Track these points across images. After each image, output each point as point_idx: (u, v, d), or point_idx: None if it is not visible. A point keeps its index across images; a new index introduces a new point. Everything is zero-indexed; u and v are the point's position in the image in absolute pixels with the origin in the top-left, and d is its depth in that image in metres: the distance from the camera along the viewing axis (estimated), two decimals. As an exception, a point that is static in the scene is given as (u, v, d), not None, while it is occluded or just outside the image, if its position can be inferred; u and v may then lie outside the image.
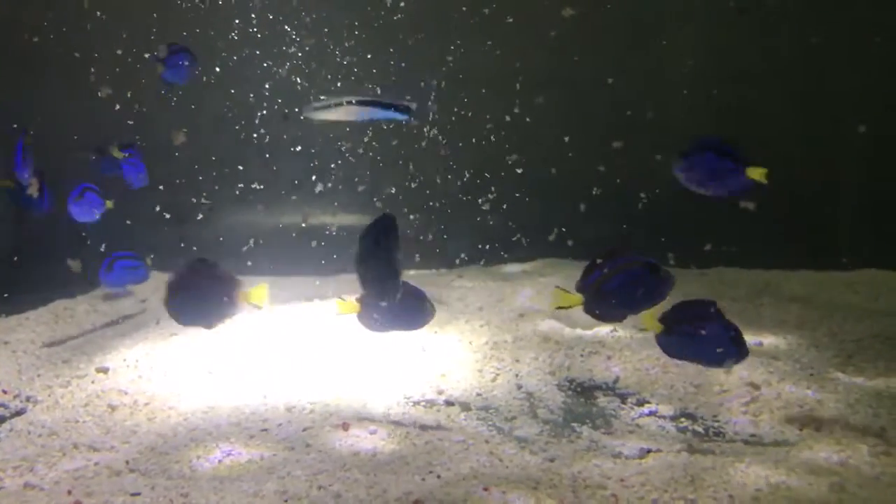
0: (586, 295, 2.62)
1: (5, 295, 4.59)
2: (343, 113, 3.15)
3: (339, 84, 4.99)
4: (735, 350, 2.61)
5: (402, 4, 4.90)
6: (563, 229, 5.15)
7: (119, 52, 4.56)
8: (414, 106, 3.19)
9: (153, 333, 3.86)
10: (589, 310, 2.65)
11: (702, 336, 2.63)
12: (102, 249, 4.25)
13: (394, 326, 2.75)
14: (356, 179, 5.11)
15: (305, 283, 4.88)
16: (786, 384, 3.14)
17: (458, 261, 5.20)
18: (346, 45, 4.98)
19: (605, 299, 2.62)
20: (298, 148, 5.04)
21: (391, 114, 3.17)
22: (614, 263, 2.63)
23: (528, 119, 4.99)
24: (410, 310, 2.69)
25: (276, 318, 4.01)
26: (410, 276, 5.02)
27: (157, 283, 4.89)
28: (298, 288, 4.76)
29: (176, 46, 3.75)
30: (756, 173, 2.69)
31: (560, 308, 2.69)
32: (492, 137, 5.03)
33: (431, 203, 5.15)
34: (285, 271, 5.08)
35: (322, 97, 3.32)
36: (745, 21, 5.02)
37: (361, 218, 5.22)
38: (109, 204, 3.91)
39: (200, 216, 4.98)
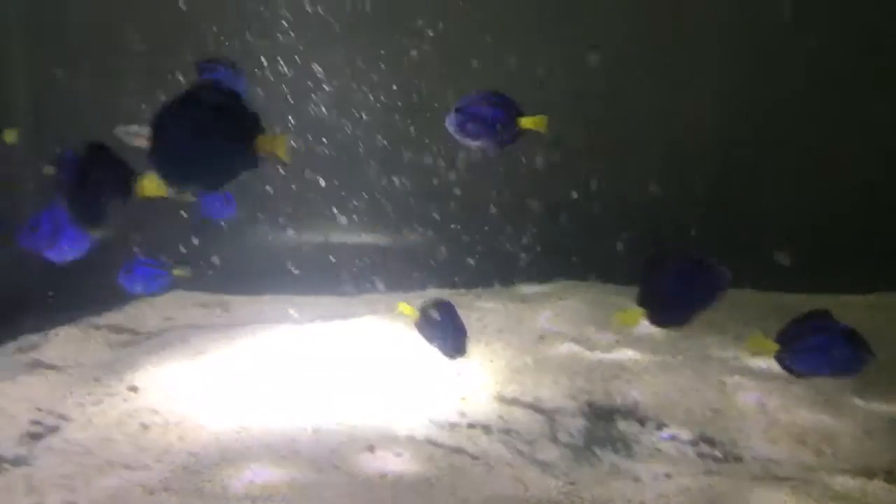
0: (647, 306, 2.63)
1: (35, 313, 4.72)
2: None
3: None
4: (862, 354, 2.60)
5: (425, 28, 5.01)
6: (583, 251, 5.24)
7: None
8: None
9: (179, 352, 3.94)
10: (654, 320, 2.67)
11: (826, 347, 2.64)
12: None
13: (433, 342, 2.91)
14: (382, 200, 5.19)
15: (332, 303, 4.96)
16: (802, 409, 3.18)
17: (476, 281, 5.25)
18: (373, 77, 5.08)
19: (667, 305, 2.64)
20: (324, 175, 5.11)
21: None
22: (666, 268, 2.64)
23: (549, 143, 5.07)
24: (450, 338, 2.81)
25: (302, 337, 4.09)
26: (429, 294, 5.14)
27: (182, 300, 5.02)
28: (324, 307, 4.85)
29: (209, 61, 3.67)
30: (530, 122, 2.69)
31: (627, 325, 2.73)
32: (519, 157, 5.09)
33: (452, 224, 5.21)
34: (311, 290, 5.16)
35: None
36: (783, 33, 4.99)
37: (385, 238, 5.30)
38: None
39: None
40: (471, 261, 5.21)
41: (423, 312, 2.90)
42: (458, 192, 5.18)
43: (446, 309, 2.89)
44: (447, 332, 2.91)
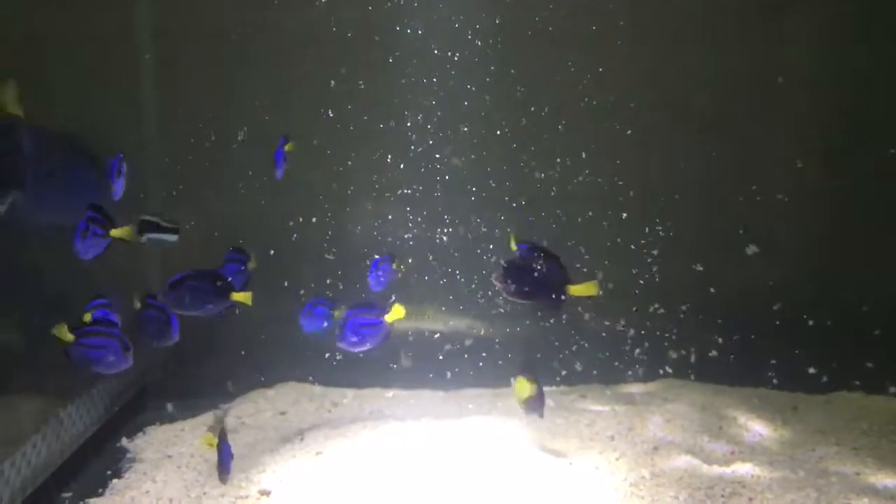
0: None
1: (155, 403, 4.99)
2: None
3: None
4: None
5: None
6: (683, 345, 5.23)
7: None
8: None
9: (300, 451, 4.10)
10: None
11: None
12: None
13: None
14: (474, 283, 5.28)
15: (435, 398, 5.08)
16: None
17: (578, 377, 5.28)
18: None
19: None
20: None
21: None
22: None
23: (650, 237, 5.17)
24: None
25: (416, 439, 4.19)
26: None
27: (294, 393, 5.22)
28: (428, 402, 4.97)
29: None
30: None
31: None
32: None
33: (553, 318, 5.27)
34: (412, 384, 5.27)
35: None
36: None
37: (486, 331, 5.37)
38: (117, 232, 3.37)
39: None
40: (573, 357, 5.27)
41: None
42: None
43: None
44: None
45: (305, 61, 5.07)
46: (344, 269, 5.03)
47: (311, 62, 5.07)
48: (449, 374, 5.26)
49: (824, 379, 4.95)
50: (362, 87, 5.02)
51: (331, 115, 5.01)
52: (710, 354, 5.12)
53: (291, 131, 4.41)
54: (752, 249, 4.71)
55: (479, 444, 4.09)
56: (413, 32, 5.04)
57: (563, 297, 2.76)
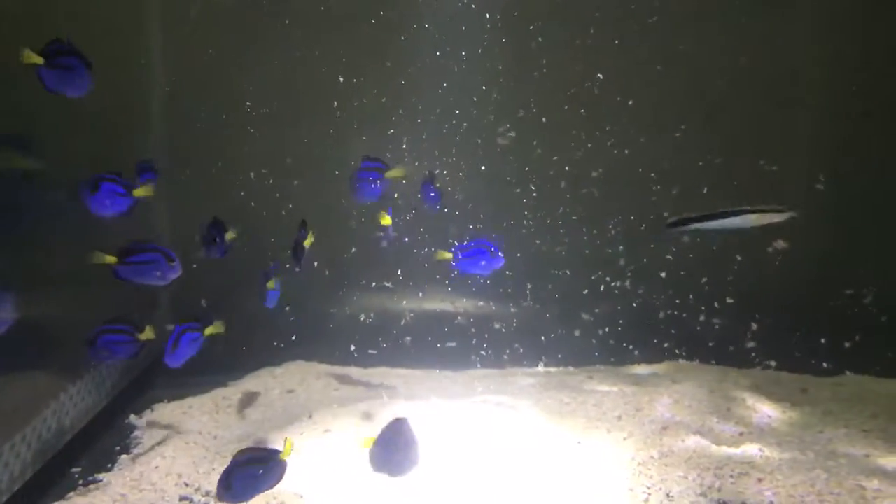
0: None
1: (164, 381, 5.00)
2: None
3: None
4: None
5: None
6: (690, 327, 5.22)
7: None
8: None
9: (308, 429, 4.10)
10: None
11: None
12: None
13: None
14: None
15: (441, 378, 5.08)
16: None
17: (585, 358, 5.29)
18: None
19: None
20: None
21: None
22: None
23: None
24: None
25: (423, 417, 4.18)
26: (539, 372, 5.20)
27: (301, 372, 5.22)
28: (435, 381, 4.97)
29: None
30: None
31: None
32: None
33: (558, 296, 5.28)
34: (419, 364, 5.28)
35: None
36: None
37: (492, 312, 5.37)
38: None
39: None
40: (579, 338, 5.27)
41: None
42: (567, 271, 5.27)
43: None
44: None
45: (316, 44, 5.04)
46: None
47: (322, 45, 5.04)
48: (457, 355, 5.28)
49: (834, 362, 4.95)
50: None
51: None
52: (718, 336, 5.13)
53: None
54: (780, 245, 4.72)
55: (488, 422, 4.09)
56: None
57: (303, 250, 3.42)
